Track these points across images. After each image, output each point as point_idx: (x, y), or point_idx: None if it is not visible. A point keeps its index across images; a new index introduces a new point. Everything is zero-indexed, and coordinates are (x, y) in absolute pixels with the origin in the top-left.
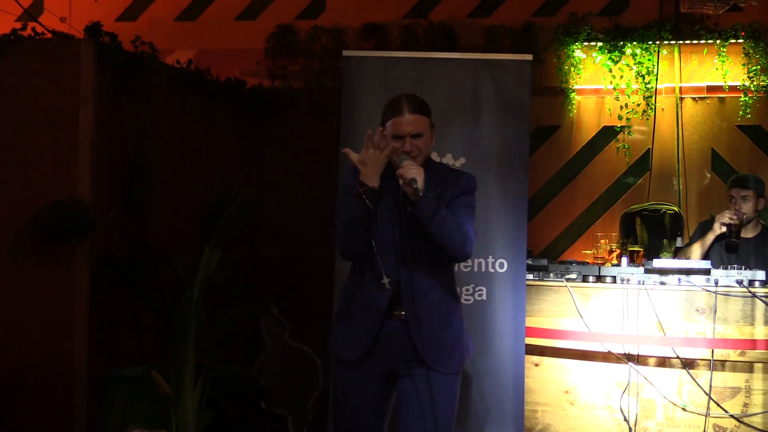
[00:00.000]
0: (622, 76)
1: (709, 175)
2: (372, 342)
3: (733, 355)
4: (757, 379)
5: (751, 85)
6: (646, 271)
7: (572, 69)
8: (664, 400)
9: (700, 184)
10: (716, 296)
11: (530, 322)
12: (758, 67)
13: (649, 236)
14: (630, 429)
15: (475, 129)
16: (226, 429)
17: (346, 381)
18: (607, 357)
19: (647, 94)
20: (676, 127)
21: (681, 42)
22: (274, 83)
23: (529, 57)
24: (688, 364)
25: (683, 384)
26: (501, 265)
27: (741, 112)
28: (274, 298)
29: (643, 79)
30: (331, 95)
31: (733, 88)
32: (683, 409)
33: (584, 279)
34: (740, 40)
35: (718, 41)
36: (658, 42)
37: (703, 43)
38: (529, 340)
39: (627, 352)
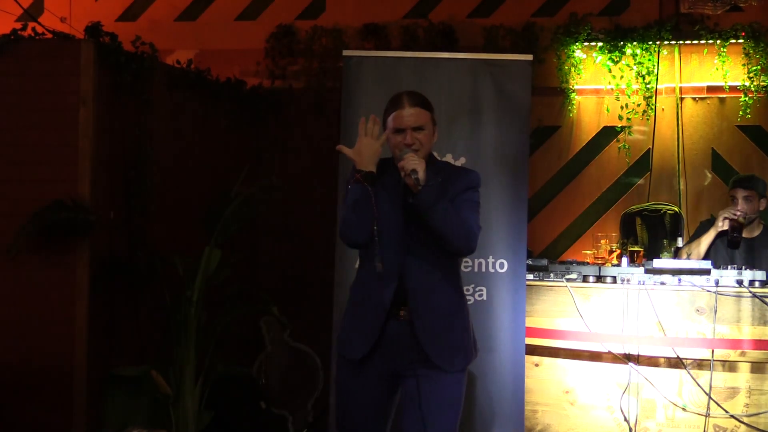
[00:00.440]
0: (622, 77)
1: (709, 175)
2: (377, 339)
3: (733, 355)
4: (757, 380)
5: (751, 85)
6: (647, 271)
7: (572, 69)
8: (665, 400)
9: (700, 185)
10: (716, 296)
11: (530, 322)
12: (758, 67)
13: (649, 236)
14: (630, 429)
15: (475, 129)
16: (225, 429)
17: (351, 381)
18: (607, 357)
19: (647, 94)
20: (676, 128)
21: (681, 42)
22: (274, 83)
23: (529, 57)
24: (689, 364)
25: (683, 384)
26: (501, 265)
27: (741, 113)
28: (274, 298)
29: (644, 79)
30: (331, 95)
31: (733, 89)
32: (683, 410)
33: (584, 279)
34: (740, 40)
35: (718, 41)
36: (658, 42)
37: (703, 43)
38: (529, 340)
39: (627, 353)
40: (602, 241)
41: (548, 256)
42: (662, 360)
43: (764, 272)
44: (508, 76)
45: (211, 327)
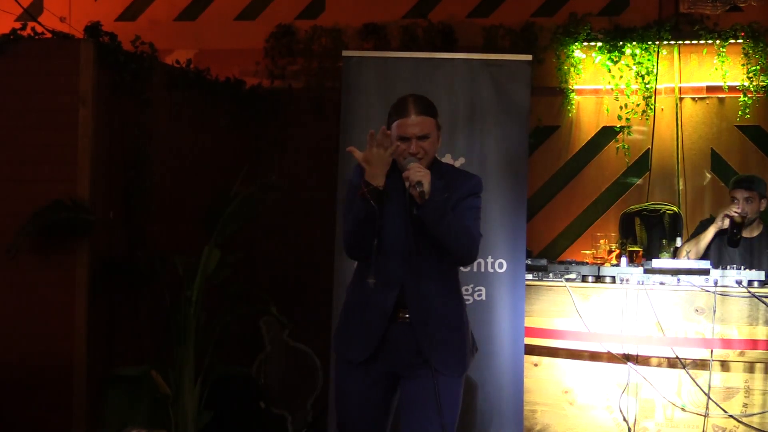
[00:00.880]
0: (621, 77)
1: (708, 176)
2: (378, 343)
3: (732, 355)
4: (756, 379)
5: (751, 86)
6: (646, 271)
7: (572, 69)
8: (664, 400)
9: (700, 185)
10: (715, 296)
11: (529, 322)
12: (758, 67)
13: (648, 236)
14: (629, 429)
15: (475, 129)
16: (225, 429)
17: (350, 382)
18: (606, 357)
19: (647, 94)
20: (675, 128)
21: (680, 42)
22: (273, 83)
23: (528, 57)
24: (688, 364)
25: (682, 384)
26: (500, 265)
27: (740, 113)
28: (273, 298)
29: (643, 79)
30: (331, 95)
31: (732, 89)
32: (682, 409)
33: (583, 279)
34: (740, 41)
35: (717, 41)
36: (657, 42)
37: (703, 44)
38: (529, 340)
39: (626, 352)
40: (601, 241)
41: (547, 256)
42: (661, 360)
43: (763, 272)
44: (508, 76)
45: (210, 327)
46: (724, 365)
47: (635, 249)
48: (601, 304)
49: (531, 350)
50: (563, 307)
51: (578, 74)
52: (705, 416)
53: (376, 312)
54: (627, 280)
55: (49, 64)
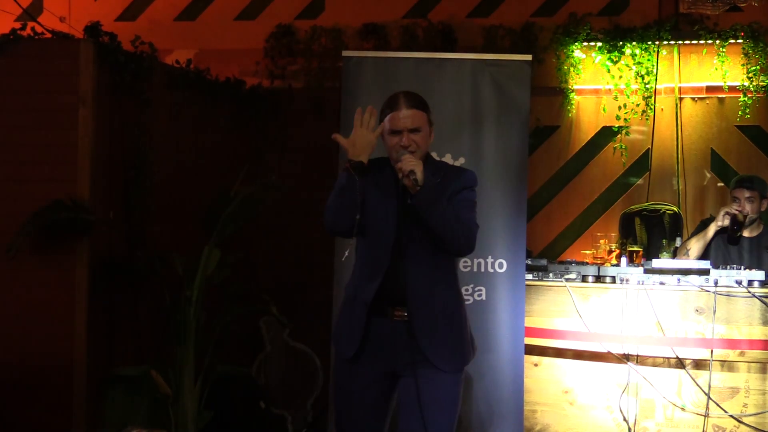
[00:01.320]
0: (621, 77)
1: (708, 176)
2: (363, 337)
3: (732, 355)
4: (756, 379)
5: (751, 86)
6: (646, 271)
7: (571, 69)
8: (664, 400)
9: (700, 185)
10: (715, 296)
11: (529, 322)
12: (758, 67)
13: (648, 236)
14: (629, 429)
15: (475, 129)
16: (225, 429)
17: (347, 380)
18: (606, 357)
19: (647, 94)
20: (675, 128)
21: (680, 42)
22: (273, 83)
23: (528, 57)
24: (688, 364)
25: (682, 384)
26: (500, 265)
27: (740, 113)
28: (273, 298)
29: (643, 79)
30: (331, 95)
31: (732, 89)
32: (682, 410)
33: (583, 279)
34: (740, 41)
35: (717, 41)
36: (657, 42)
37: (703, 44)
38: (529, 340)
39: (626, 352)
40: (601, 241)
41: (547, 256)
42: (661, 360)
43: (763, 272)
44: (508, 76)
45: (210, 327)
46: (724, 365)
47: (635, 249)
48: (601, 304)
49: (531, 350)
50: (563, 307)
51: (578, 74)
52: (705, 416)
53: (358, 305)
54: (627, 280)
55: (49, 64)
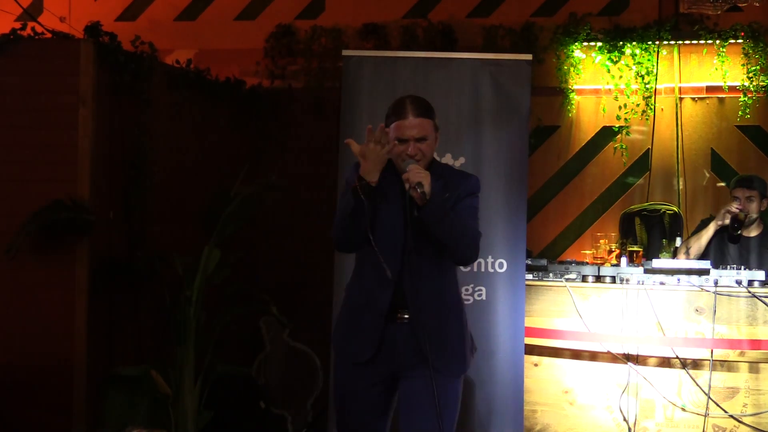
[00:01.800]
0: (621, 77)
1: (708, 175)
2: (379, 343)
3: (732, 355)
4: (756, 379)
5: (751, 86)
6: (646, 271)
7: (572, 69)
8: (664, 400)
9: (700, 185)
10: (716, 296)
11: (529, 322)
12: (758, 67)
13: (648, 236)
14: (629, 429)
15: (475, 129)
16: (225, 429)
17: (350, 382)
18: (606, 357)
19: (647, 94)
20: (675, 128)
21: (680, 42)
22: (273, 83)
23: (528, 57)
24: (688, 364)
25: (682, 384)
26: (500, 265)
27: (740, 113)
28: (273, 298)
29: (643, 79)
30: (331, 95)
31: (732, 89)
32: (682, 410)
33: (583, 279)
34: (740, 40)
35: (717, 41)
36: (657, 42)
37: (703, 44)
38: (529, 340)
39: (626, 352)
40: (601, 241)
41: (547, 256)
42: (661, 360)
43: (763, 272)
44: (508, 76)
45: (210, 327)
46: (724, 365)
47: (635, 249)
48: (601, 304)
49: (531, 350)
50: (563, 307)
51: (578, 74)
52: (705, 416)
53: (373, 312)
54: (627, 280)
55: (49, 64)
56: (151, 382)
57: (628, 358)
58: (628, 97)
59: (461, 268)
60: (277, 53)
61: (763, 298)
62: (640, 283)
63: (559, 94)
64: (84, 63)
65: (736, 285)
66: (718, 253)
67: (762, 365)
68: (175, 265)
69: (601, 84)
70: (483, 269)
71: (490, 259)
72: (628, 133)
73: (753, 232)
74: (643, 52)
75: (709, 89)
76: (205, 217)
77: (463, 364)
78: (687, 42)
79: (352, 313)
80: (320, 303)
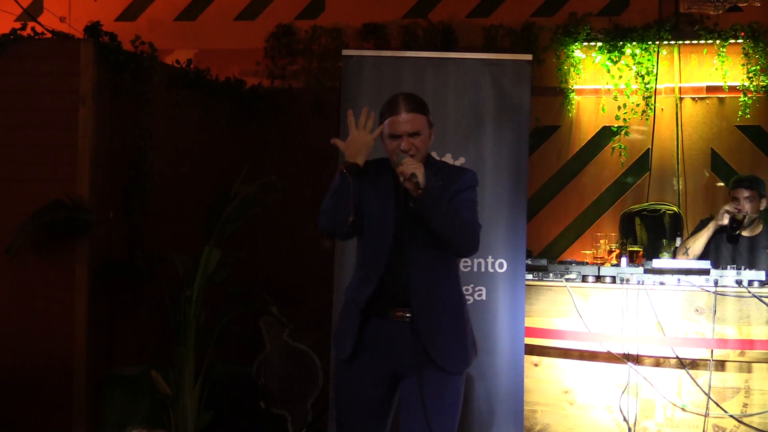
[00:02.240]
0: (621, 77)
1: (708, 176)
2: (358, 338)
3: (732, 355)
4: (756, 380)
5: (751, 86)
6: (646, 271)
7: (571, 69)
8: (664, 400)
9: (700, 185)
10: (716, 296)
11: (529, 322)
12: (758, 67)
13: (648, 236)
14: (629, 429)
15: (475, 129)
16: (225, 429)
17: (346, 381)
18: (606, 357)
19: (647, 94)
20: (675, 128)
21: (680, 42)
22: (273, 83)
23: (528, 57)
24: (688, 364)
25: (682, 384)
26: (500, 265)
27: (740, 113)
28: (273, 298)
29: (643, 79)
30: (331, 95)
31: (732, 89)
32: (682, 410)
33: (584, 279)
34: (740, 41)
35: (717, 41)
36: (657, 42)
37: (703, 44)
38: (529, 340)
39: (626, 352)
40: (601, 241)
41: (547, 256)
42: (661, 360)
43: (763, 272)
44: (508, 76)
45: (210, 327)
46: (724, 365)
47: (635, 249)
48: (601, 304)
49: (531, 350)
50: (563, 307)
51: (578, 74)
52: (705, 416)
53: (354, 307)
54: (627, 280)
55: (49, 64)
56: (151, 382)
57: (628, 358)
58: (628, 97)
59: (461, 267)
60: (277, 53)
61: (764, 299)
62: (640, 283)
63: (559, 94)
64: (84, 63)
65: (737, 285)
66: (718, 254)
67: (762, 365)
68: (175, 265)
69: (601, 84)
70: (483, 269)
71: (490, 259)
72: (627, 134)
73: (753, 232)
74: (643, 52)
75: (709, 89)
76: (205, 217)
77: (465, 359)
78: (687, 42)
79: (343, 309)
80: (320, 303)
